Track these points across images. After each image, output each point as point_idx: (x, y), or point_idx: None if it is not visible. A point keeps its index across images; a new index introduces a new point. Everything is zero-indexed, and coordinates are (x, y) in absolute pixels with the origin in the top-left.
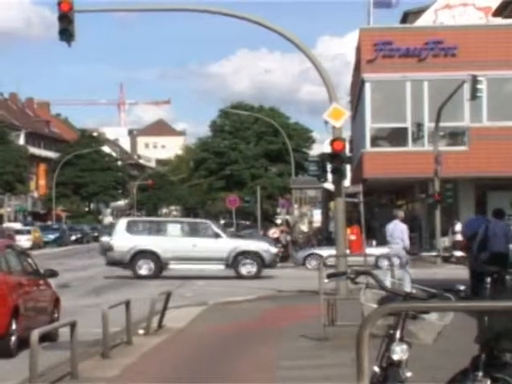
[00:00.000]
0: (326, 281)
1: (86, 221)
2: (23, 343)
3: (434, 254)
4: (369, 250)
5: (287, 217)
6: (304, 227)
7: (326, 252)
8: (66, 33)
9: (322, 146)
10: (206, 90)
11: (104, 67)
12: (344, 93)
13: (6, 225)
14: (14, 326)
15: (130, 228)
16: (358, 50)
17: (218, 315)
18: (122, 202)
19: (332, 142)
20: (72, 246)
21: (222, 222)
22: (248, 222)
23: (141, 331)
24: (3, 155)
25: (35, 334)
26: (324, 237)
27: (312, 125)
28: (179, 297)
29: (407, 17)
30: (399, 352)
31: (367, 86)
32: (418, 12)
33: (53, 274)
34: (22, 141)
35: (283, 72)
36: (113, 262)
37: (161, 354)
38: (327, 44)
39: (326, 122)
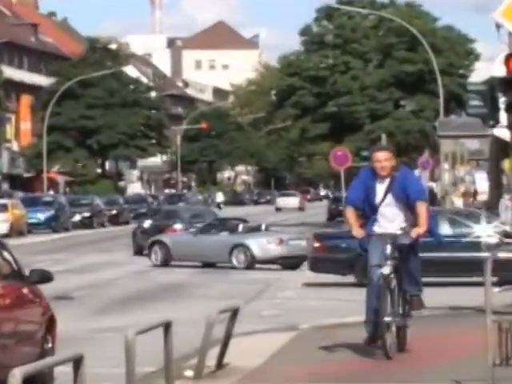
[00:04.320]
0: (497, 290)
1: (99, 189)
2: None
3: None
4: None
5: (431, 184)
6: (459, 201)
7: None
8: None
9: (490, 67)
10: None
11: None
12: None
13: None
14: None
15: None
16: None
17: (317, 348)
18: (157, 159)
19: (507, 60)
20: (75, 231)
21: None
22: None
23: (189, 373)
24: None
25: (16, 377)
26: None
27: (476, 31)
28: (252, 316)
29: None
30: None
31: None
32: None
33: (44, 277)
34: None
35: None
36: None
37: None
38: None
39: (499, 26)
